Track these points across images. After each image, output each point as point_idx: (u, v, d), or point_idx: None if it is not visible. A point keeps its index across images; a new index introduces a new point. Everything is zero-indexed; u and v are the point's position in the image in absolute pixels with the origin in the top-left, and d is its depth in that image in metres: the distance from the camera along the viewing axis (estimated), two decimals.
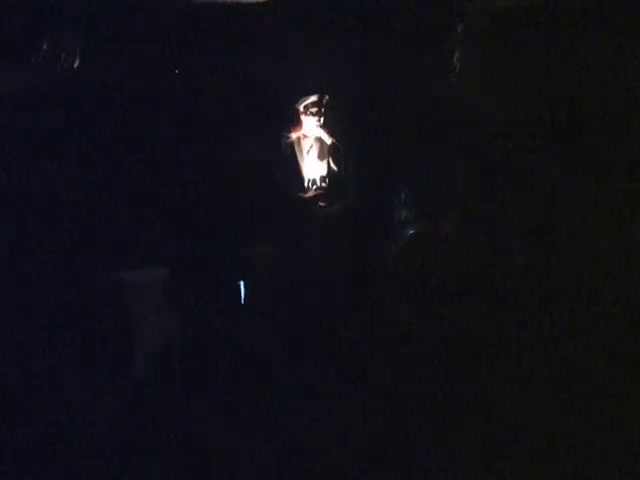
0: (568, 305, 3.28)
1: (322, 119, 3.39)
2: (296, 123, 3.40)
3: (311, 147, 3.44)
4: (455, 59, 3.35)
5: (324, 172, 3.43)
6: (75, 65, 3.36)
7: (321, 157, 3.44)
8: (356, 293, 3.35)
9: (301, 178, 3.44)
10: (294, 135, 3.41)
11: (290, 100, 3.39)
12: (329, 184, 3.42)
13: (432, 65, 3.33)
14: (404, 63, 3.31)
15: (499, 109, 3.30)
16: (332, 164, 3.43)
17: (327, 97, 3.36)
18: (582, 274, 3.31)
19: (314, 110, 3.38)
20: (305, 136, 3.44)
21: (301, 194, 3.42)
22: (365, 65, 3.33)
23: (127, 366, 3.28)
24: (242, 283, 3.36)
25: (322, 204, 3.40)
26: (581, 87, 3.27)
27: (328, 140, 3.42)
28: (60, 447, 3.14)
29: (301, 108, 3.40)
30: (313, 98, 3.37)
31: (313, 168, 3.44)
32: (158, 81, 3.35)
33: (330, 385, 3.27)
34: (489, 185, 3.37)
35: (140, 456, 3.15)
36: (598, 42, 3.26)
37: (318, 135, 3.43)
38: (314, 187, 3.43)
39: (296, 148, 3.43)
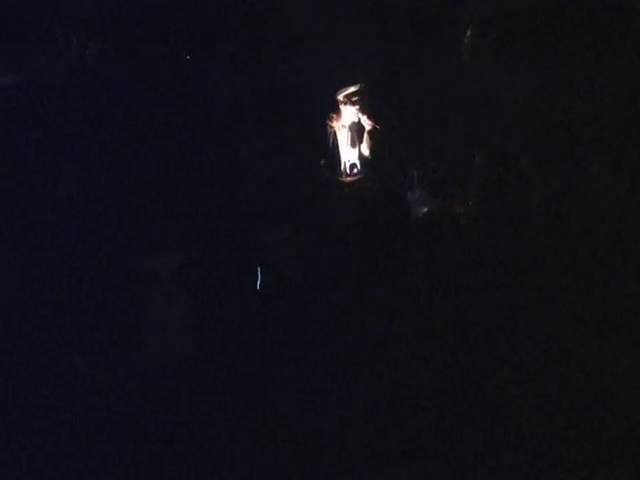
0: (583, 285, 3.44)
1: (361, 107, 3.60)
2: (337, 112, 3.60)
3: (351, 135, 3.64)
4: (487, 48, 3.57)
5: (363, 157, 3.64)
6: (87, 52, 3.41)
7: (360, 144, 3.64)
8: (388, 276, 3.49)
9: (341, 164, 3.64)
10: (335, 124, 3.61)
11: (330, 90, 3.59)
12: (368, 169, 3.63)
13: (464, 53, 3.56)
14: (439, 51, 3.53)
15: (529, 97, 3.53)
16: (371, 151, 3.64)
17: (366, 86, 3.57)
18: (593, 257, 3.45)
19: (354, 99, 3.59)
20: (345, 124, 3.64)
21: (341, 178, 3.62)
22: (402, 54, 3.54)
23: (141, 352, 3.35)
24: (259, 269, 3.45)
25: (361, 187, 3.60)
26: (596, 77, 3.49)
27: (367, 127, 3.63)
28: (71, 438, 3.22)
29: (341, 98, 3.60)
30: (352, 88, 3.58)
31: (353, 154, 3.64)
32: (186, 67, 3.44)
33: (349, 374, 3.37)
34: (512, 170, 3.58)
35: (150, 448, 3.23)
36: (613, 33, 3.48)
37: (358, 123, 3.64)
38: (354, 171, 3.63)
39: (337, 136, 3.63)
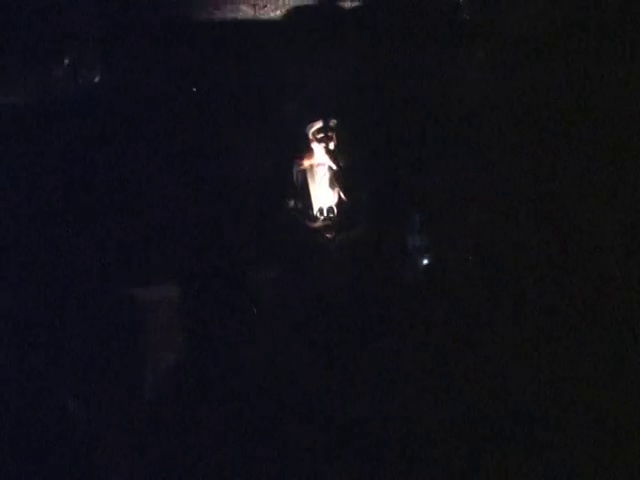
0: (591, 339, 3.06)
1: (330, 145, 3.24)
2: (307, 150, 3.27)
3: (322, 175, 3.29)
4: (465, 82, 3.12)
5: (333, 201, 3.27)
6: (96, 79, 3.36)
7: (331, 185, 3.28)
8: (366, 324, 3.14)
9: (311, 207, 3.29)
10: (306, 162, 3.27)
11: (301, 126, 3.26)
12: (337, 214, 3.25)
13: (442, 90, 3.12)
14: (413, 87, 3.11)
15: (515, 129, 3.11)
16: (341, 193, 3.26)
17: (335, 122, 3.20)
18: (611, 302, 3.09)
19: (320, 136, 3.23)
20: (317, 164, 3.29)
21: (309, 223, 3.27)
22: (373, 89, 3.16)
23: (134, 381, 3.25)
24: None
25: (329, 235, 3.24)
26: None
27: (335, 167, 3.26)
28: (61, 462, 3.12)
29: (310, 135, 3.25)
30: (319, 124, 3.22)
31: (322, 197, 3.28)
32: (174, 95, 3.32)
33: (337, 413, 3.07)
34: (508, 212, 3.15)
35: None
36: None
37: (328, 163, 3.27)
38: (322, 217, 3.27)
39: (308, 176, 3.29)
